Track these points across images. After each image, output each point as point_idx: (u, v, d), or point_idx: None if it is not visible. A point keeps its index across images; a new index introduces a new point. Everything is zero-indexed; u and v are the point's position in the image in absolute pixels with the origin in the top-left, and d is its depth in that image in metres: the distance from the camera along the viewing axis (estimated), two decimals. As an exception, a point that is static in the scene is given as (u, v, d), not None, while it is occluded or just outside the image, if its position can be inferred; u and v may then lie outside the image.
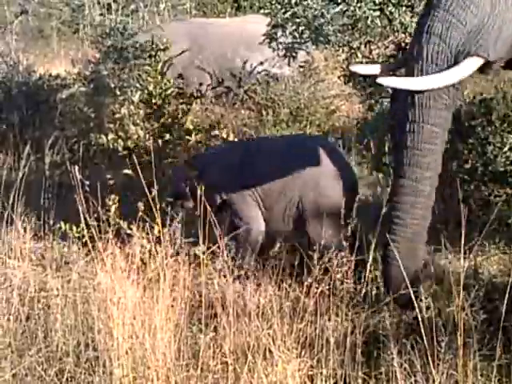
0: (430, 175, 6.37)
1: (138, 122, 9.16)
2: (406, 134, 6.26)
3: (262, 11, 13.72)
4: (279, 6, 10.74)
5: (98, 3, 20.05)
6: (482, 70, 6.23)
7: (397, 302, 6.39)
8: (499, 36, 6.07)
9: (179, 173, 8.99)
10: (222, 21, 18.36)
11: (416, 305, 5.52)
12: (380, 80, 6.30)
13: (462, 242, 5.94)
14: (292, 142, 8.92)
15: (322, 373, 5.67)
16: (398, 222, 6.44)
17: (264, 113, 13.27)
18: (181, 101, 9.52)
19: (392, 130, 6.99)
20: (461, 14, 6.00)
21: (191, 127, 9.35)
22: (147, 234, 6.90)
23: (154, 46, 10.26)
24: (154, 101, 9.33)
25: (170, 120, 9.23)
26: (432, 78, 6.06)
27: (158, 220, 6.92)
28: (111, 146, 8.99)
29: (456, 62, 6.07)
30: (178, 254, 6.87)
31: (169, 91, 9.49)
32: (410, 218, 6.41)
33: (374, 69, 6.86)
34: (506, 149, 8.76)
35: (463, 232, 5.92)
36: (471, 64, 6.09)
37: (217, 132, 9.66)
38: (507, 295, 5.44)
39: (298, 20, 10.53)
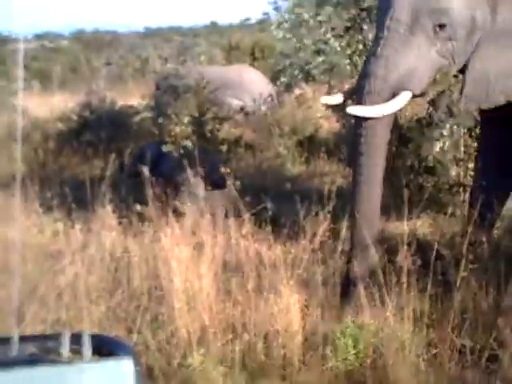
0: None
1: (186, 136, 9.23)
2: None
3: (269, 61, 13.74)
4: (281, 57, 10.84)
5: (159, 57, 20.16)
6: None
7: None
8: (421, 75, 6.20)
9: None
10: (214, 68, 17.80)
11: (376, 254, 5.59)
12: (349, 110, 6.31)
13: (405, 213, 6.04)
14: None
15: (312, 302, 5.78)
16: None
17: (272, 129, 13.29)
18: (216, 121, 9.59)
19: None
20: (398, 61, 6.11)
21: (223, 140, 9.43)
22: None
23: (197, 85, 10.32)
24: (197, 122, 9.41)
25: (208, 135, 9.30)
26: (383, 107, 6.11)
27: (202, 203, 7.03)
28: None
29: (394, 95, 6.13)
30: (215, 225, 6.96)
31: (207, 115, 9.55)
32: None
33: (338, 98, 6.88)
34: (433, 152, 8.84)
35: (406, 207, 6.02)
36: (405, 96, 6.17)
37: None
38: (435, 248, 5.52)
39: (294, 66, 10.60)
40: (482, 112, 7.48)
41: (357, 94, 6.44)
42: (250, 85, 14.59)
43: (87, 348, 2.16)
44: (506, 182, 6.96)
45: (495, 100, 6.38)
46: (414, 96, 6.34)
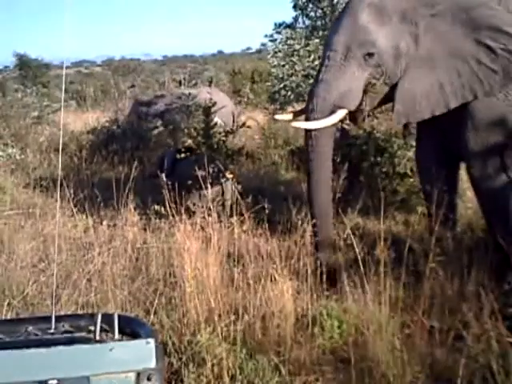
0: None
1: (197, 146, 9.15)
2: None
3: (266, 84, 13.64)
4: (276, 80, 10.73)
5: (174, 80, 20.05)
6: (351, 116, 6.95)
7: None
8: (354, 95, 6.49)
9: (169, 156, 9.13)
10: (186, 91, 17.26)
11: (357, 248, 5.45)
12: (293, 124, 7.14)
13: (382, 213, 5.91)
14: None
15: (303, 289, 5.69)
16: None
17: (268, 140, 13.19)
18: (222, 134, 9.47)
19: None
20: (335, 85, 6.45)
21: (227, 149, 9.31)
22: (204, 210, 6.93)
23: (206, 104, 10.19)
24: (205, 134, 9.29)
25: (215, 146, 9.18)
26: (321, 122, 6.47)
27: (210, 204, 6.94)
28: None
29: (333, 112, 6.48)
30: (221, 222, 6.87)
31: (214, 129, 9.44)
32: None
33: (288, 116, 7.31)
34: (405, 160, 8.76)
35: (382, 207, 5.89)
36: (341, 113, 6.53)
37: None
38: (407, 242, 5.39)
39: (287, 88, 10.48)
40: (418, 127, 7.56)
41: (305, 112, 6.81)
42: (220, 104, 14.56)
43: (116, 328, 2.15)
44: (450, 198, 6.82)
45: (422, 115, 6.55)
46: (350, 111, 6.66)
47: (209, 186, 7.54)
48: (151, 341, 2.08)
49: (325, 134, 6.56)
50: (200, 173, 7.69)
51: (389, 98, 6.63)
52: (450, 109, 6.38)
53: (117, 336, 2.13)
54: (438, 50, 6.35)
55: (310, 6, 10.14)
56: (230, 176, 8.36)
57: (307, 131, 6.64)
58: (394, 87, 6.53)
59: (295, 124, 7.07)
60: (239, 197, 7.06)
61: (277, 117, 7.88)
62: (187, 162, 8.89)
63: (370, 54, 6.39)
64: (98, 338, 2.13)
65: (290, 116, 7.29)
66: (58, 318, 2.29)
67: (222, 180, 8.30)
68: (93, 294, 5.80)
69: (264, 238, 6.68)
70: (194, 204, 7.57)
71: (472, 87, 6.27)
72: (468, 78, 6.28)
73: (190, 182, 8.09)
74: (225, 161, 8.99)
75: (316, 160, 6.61)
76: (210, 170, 7.85)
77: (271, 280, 5.48)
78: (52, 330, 2.24)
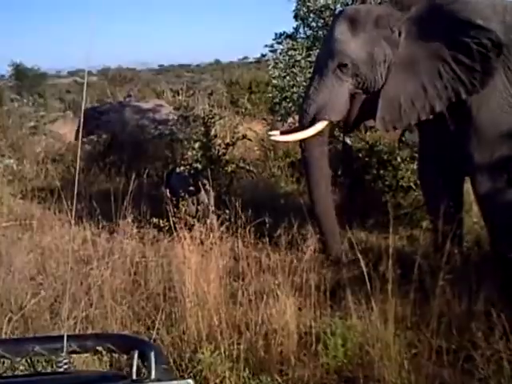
0: None
1: (197, 159, 9.08)
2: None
3: (266, 94, 13.58)
4: (277, 92, 10.67)
5: (171, 90, 20.01)
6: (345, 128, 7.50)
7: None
8: (333, 106, 6.68)
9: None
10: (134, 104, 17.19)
11: (362, 264, 5.34)
12: (273, 137, 7.77)
13: (391, 228, 5.79)
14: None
15: (306, 305, 5.59)
16: None
17: (268, 152, 13.12)
18: (222, 146, 9.41)
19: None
20: (315, 98, 6.74)
21: (228, 161, 9.26)
22: (204, 224, 6.86)
23: (205, 115, 10.12)
24: (205, 146, 9.23)
25: (215, 157, 9.12)
26: (301, 133, 6.88)
27: (211, 215, 6.90)
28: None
29: (312, 124, 6.77)
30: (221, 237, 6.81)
31: (213, 141, 9.38)
32: None
33: (276, 133, 7.73)
34: (408, 173, 8.66)
35: (391, 222, 5.79)
36: (320, 125, 6.78)
37: (242, 165, 9.68)
38: (416, 259, 5.28)
39: (288, 99, 10.43)
40: (421, 140, 7.54)
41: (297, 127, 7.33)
42: (166, 116, 14.96)
43: (153, 367, 1.99)
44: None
45: (408, 120, 6.61)
46: (335, 121, 7.06)
47: (189, 199, 7.60)
48: (191, 382, 1.96)
49: (313, 145, 6.89)
50: (184, 187, 7.80)
51: (375, 106, 6.58)
52: (437, 112, 6.35)
53: (153, 375, 1.99)
54: (417, 54, 6.36)
55: (312, 16, 10.08)
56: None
57: (300, 145, 7.09)
58: (377, 95, 6.54)
59: (275, 138, 7.58)
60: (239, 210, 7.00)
61: (270, 133, 8.25)
62: (187, 175, 8.86)
63: (344, 65, 6.54)
64: (134, 377, 1.99)
65: (276, 132, 7.76)
66: (71, 338, 2.17)
67: (203, 193, 8.31)
68: (92, 308, 5.69)
69: (265, 253, 6.60)
70: (194, 217, 7.51)
71: (454, 88, 6.24)
72: (449, 78, 6.25)
73: (190, 194, 8.12)
74: (225, 173, 8.96)
75: (310, 170, 7.04)
76: (192, 183, 7.88)
77: (273, 296, 5.41)
78: (63, 354, 2.11)
